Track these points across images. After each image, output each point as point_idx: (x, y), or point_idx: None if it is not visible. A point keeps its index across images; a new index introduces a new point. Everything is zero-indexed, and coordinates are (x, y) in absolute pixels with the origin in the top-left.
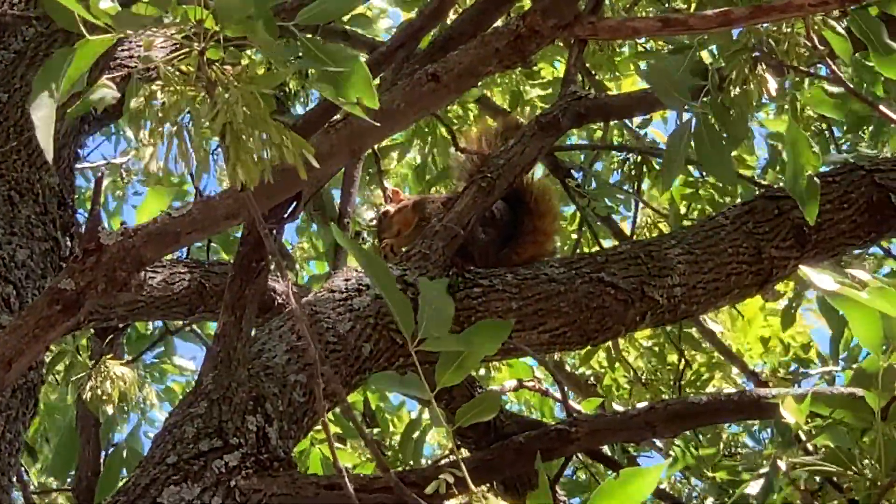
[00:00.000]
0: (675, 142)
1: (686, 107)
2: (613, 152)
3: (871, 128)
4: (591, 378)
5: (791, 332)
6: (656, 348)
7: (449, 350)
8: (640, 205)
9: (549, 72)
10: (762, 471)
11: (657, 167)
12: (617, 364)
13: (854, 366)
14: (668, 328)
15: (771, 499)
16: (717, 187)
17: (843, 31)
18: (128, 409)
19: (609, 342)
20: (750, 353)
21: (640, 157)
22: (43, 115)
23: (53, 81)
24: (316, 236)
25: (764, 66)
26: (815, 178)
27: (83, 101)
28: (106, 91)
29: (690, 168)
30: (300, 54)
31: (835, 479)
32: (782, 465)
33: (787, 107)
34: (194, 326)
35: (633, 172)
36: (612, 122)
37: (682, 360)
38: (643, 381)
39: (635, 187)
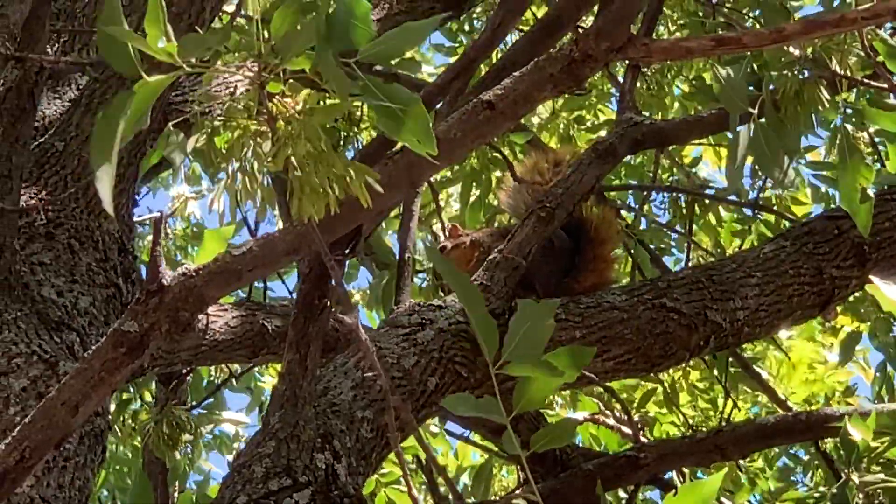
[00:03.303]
0: (737, 148)
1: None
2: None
3: None
4: (641, 423)
5: (833, 379)
6: (706, 394)
7: (529, 374)
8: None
9: (595, 116)
10: (834, 489)
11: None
12: (668, 409)
13: None
14: (716, 371)
15: None
16: (767, 223)
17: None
18: (193, 455)
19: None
20: (795, 396)
21: (690, 197)
22: (102, 171)
23: (113, 131)
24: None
25: (817, 79)
26: (868, 192)
27: (155, 151)
28: (177, 142)
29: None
30: (360, 91)
31: None
32: (855, 479)
33: (838, 121)
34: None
35: (684, 212)
36: (662, 163)
37: (727, 397)
38: (693, 428)
39: (687, 227)
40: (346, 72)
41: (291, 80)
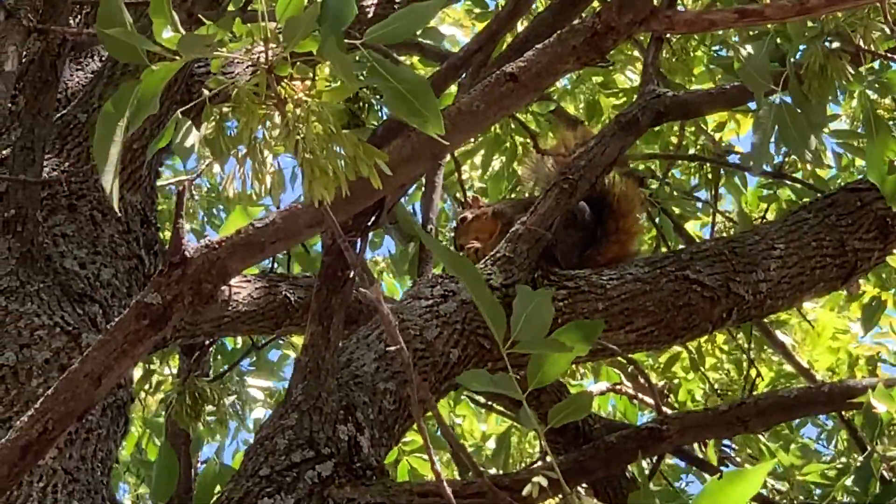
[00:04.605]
0: (762, 125)
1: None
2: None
3: None
4: (665, 388)
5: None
6: (733, 354)
7: (541, 351)
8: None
9: (623, 82)
10: (859, 462)
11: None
12: (695, 373)
13: None
14: (741, 338)
15: (873, 487)
16: (794, 189)
17: None
18: (217, 427)
19: (690, 349)
20: (818, 364)
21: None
22: (108, 161)
23: (118, 119)
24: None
25: (840, 53)
26: None
27: (164, 135)
28: (188, 131)
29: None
30: (367, 73)
31: None
32: (880, 451)
33: (863, 92)
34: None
35: (709, 177)
36: (687, 129)
37: (751, 366)
38: (718, 392)
39: (712, 194)
40: (355, 53)
41: (300, 63)
